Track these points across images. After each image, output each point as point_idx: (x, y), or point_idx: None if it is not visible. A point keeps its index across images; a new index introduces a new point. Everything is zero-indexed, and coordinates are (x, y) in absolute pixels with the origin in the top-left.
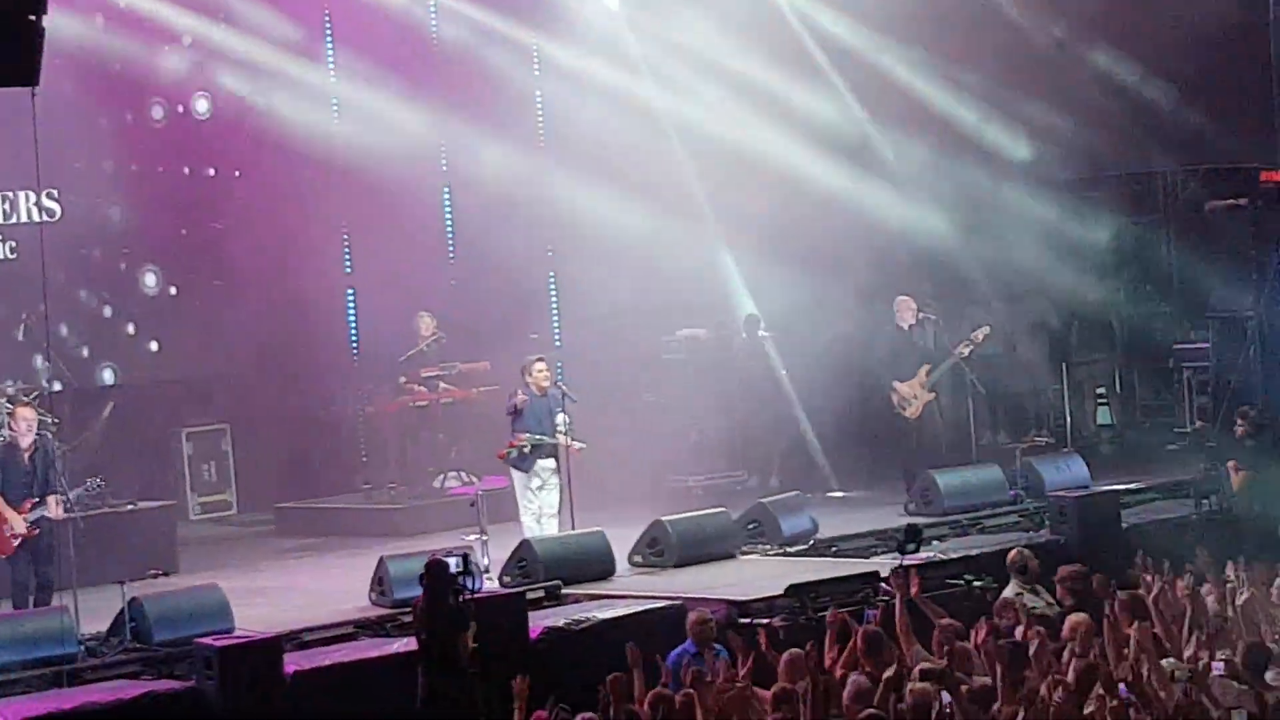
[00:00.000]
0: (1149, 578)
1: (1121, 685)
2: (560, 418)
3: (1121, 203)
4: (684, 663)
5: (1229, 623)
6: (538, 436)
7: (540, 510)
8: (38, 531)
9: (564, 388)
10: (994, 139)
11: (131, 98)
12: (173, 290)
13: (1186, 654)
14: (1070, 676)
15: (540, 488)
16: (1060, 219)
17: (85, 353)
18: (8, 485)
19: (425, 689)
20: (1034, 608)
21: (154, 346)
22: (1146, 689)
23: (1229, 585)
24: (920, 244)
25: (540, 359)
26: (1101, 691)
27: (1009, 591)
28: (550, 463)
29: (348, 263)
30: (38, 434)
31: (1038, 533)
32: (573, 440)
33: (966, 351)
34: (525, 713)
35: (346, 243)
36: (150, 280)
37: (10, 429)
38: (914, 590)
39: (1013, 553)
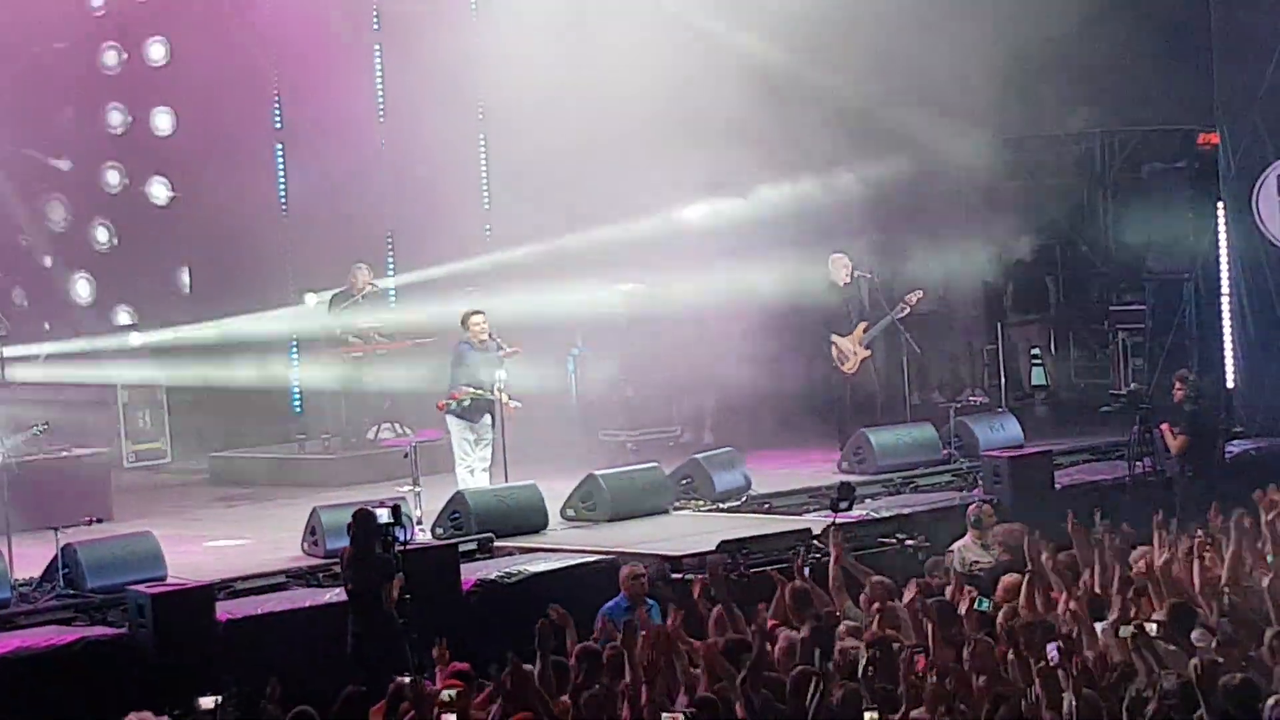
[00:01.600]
0: (1080, 538)
1: (1051, 646)
2: (499, 374)
3: (1060, 163)
4: (616, 617)
5: (1158, 584)
6: (477, 391)
7: (475, 464)
8: None
9: (499, 341)
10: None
11: None
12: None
13: (1113, 615)
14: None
15: (477, 441)
16: (998, 177)
17: (24, 301)
18: None
19: (354, 638)
20: (977, 562)
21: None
22: (1076, 650)
23: (1160, 547)
24: (856, 198)
25: (478, 311)
26: (1027, 654)
27: (959, 544)
28: (487, 418)
29: (284, 206)
30: None
31: (970, 492)
32: (509, 399)
33: (902, 313)
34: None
35: (284, 196)
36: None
37: None
38: (836, 554)
39: (971, 506)
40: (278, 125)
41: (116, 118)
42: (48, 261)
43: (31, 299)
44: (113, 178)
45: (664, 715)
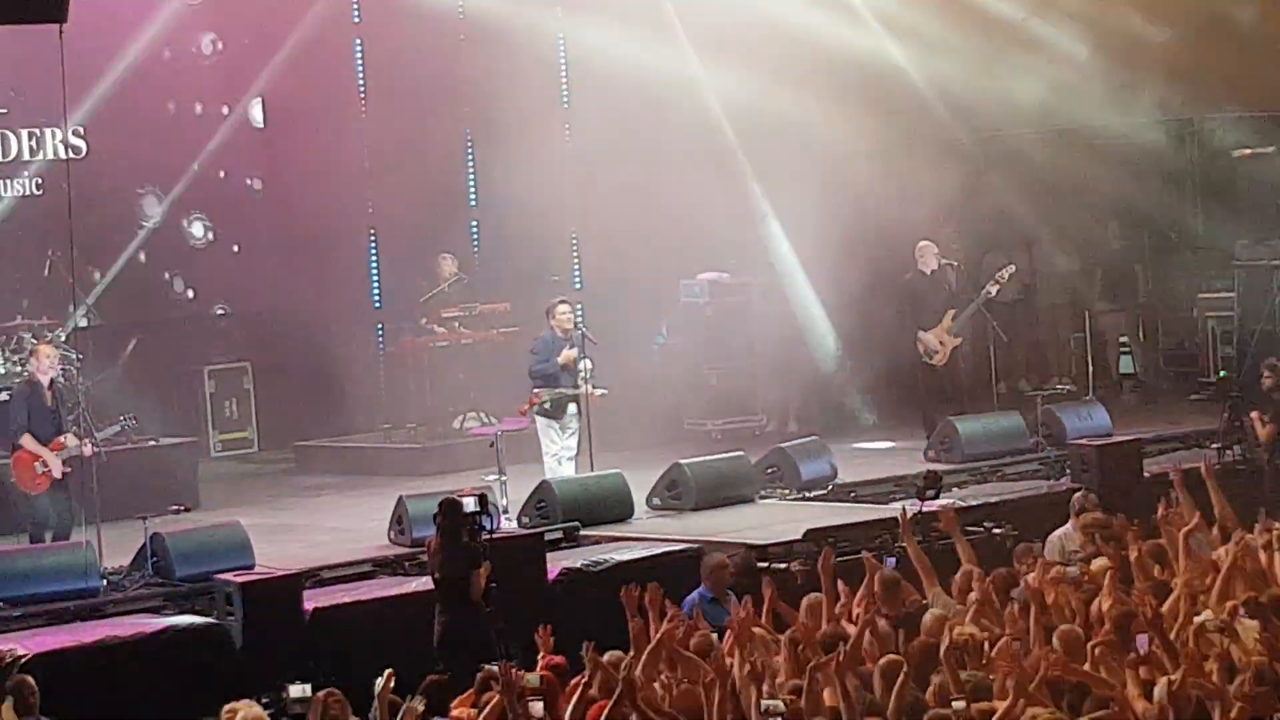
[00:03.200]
0: (1172, 528)
1: (1142, 637)
2: (584, 364)
3: (1148, 150)
4: (698, 607)
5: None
6: (555, 391)
7: (560, 453)
8: (71, 471)
9: (585, 331)
10: (1010, 81)
11: (165, 34)
12: (200, 231)
13: (1211, 601)
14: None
15: (562, 429)
16: (1084, 166)
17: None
18: (35, 424)
19: (441, 627)
20: (1076, 551)
21: (180, 287)
22: (1171, 640)
23: (1256, 536)
24: (942, 190)
25: (563, 300)
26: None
27: (1058, 532)
28: (573, 407)
29: (369, 204)
30: (60, 370)
31: (1058, 481)
32: (594, 387)
33: (994, 291)
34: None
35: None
36: (153, 207)
37: (33, 366)
38: (949, 525)
39: (1076, 494)
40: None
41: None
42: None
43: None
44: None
45: (764, 702)
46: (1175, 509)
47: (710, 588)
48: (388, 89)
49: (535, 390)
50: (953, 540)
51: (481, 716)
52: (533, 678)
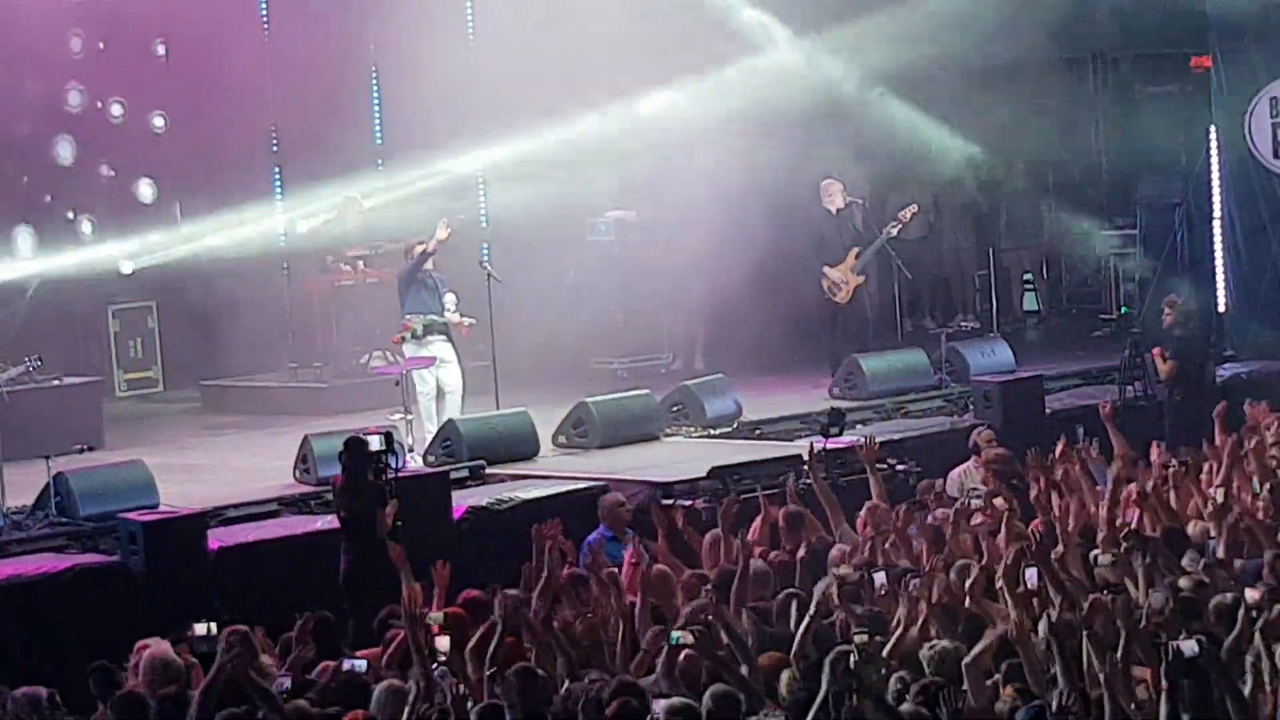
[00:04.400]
0: (1072, 463)
1: (1030, 571)
2: (449, 297)
3: (1052, 86)
4: (598, 546)
5: (1151, 507)
6: (428, 317)
7: (436, 389)
8: None
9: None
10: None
11: None
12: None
13: (1102, 535)
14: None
15: (436, 366)
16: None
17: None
18: None
19: (346, 565)
20: (975, 489)
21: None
22: (1062, 574)
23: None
24: (850, 127)
25: (421, 240)
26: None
27: (959, 469)
28: (444, 340)
29: (274, 142)
30: None
31: (962, 417)
32: (463, 317)
33: (895, 231)
34: (445, 597)
35: (274, 127)
36: (65, 151)
37: None
38: (869, 456)
39: (975, 431)
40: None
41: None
42: None
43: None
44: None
45: (673, 633)
46: (1080, 445)
47: (609, 527)
48: (291, 12)
49: (406, 318)
50: (861, 477)
51: (386, 654)
52: (436, 616)
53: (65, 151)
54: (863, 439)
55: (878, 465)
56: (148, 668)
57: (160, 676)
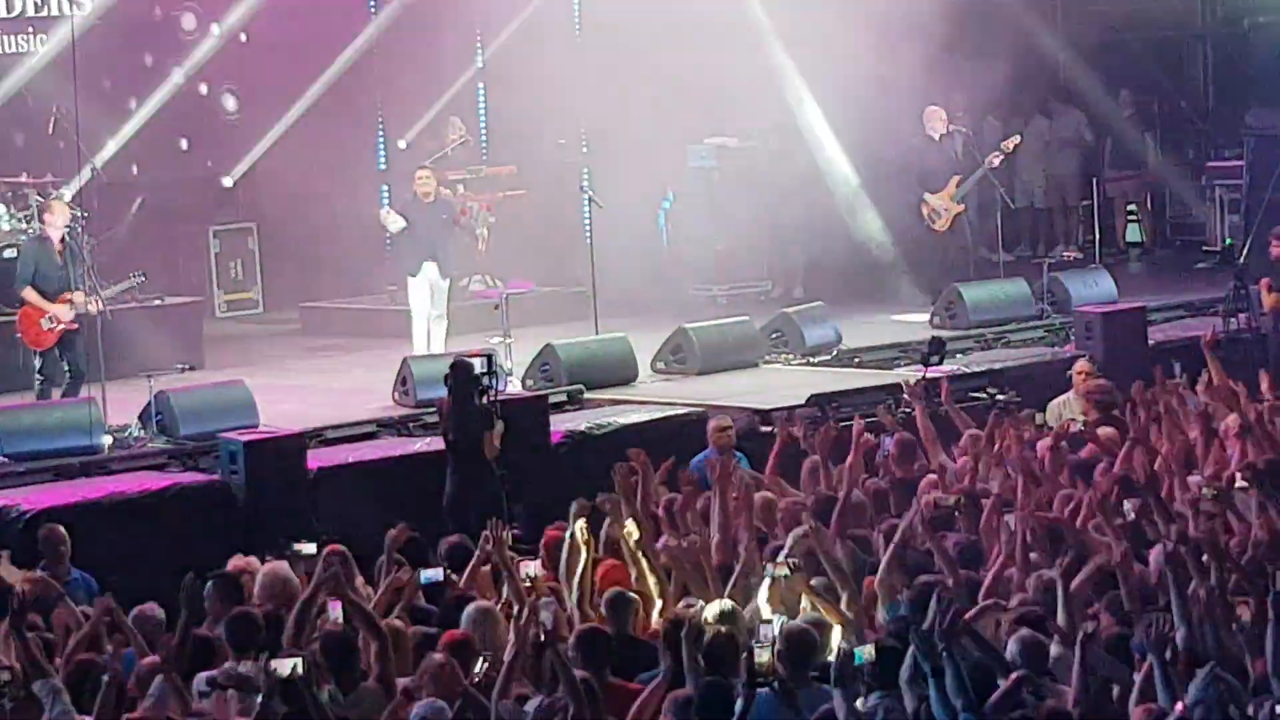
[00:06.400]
0: (1177, 392)
1: (1128, 503)
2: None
3: (1160, 16)
4: (704, 469)
5: (1253, 437)
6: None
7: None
8: (78, 326)
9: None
10: None
11: None
12: (202, 89)
13: (1208, 471)
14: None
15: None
16: (1096, 34)
17: (114, 148)
18: (42, 279)
19: (452, 487)
20: (1074, 419)
21: (183, 144)
22: (1166, 504)
23: (1260, 400)
24: (951, 57)
25: (422, 167)
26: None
27: (1058, 400)
28: (433, 267)
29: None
30: (67, 227)
31: (1063, 348)
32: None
33: (997, 161)
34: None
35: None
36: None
37: (41, 222)
38: (944, 396)
39: (1079, 362)
40: None
41: None
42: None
43: None
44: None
45: (769, 566)
46: (1176, 379)
47: (716, 448)
48: None
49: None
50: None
51: (465, 575)
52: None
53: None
54: (904, 380)
55: (974, 395)
56: (266, 584)
57: (280, 594)
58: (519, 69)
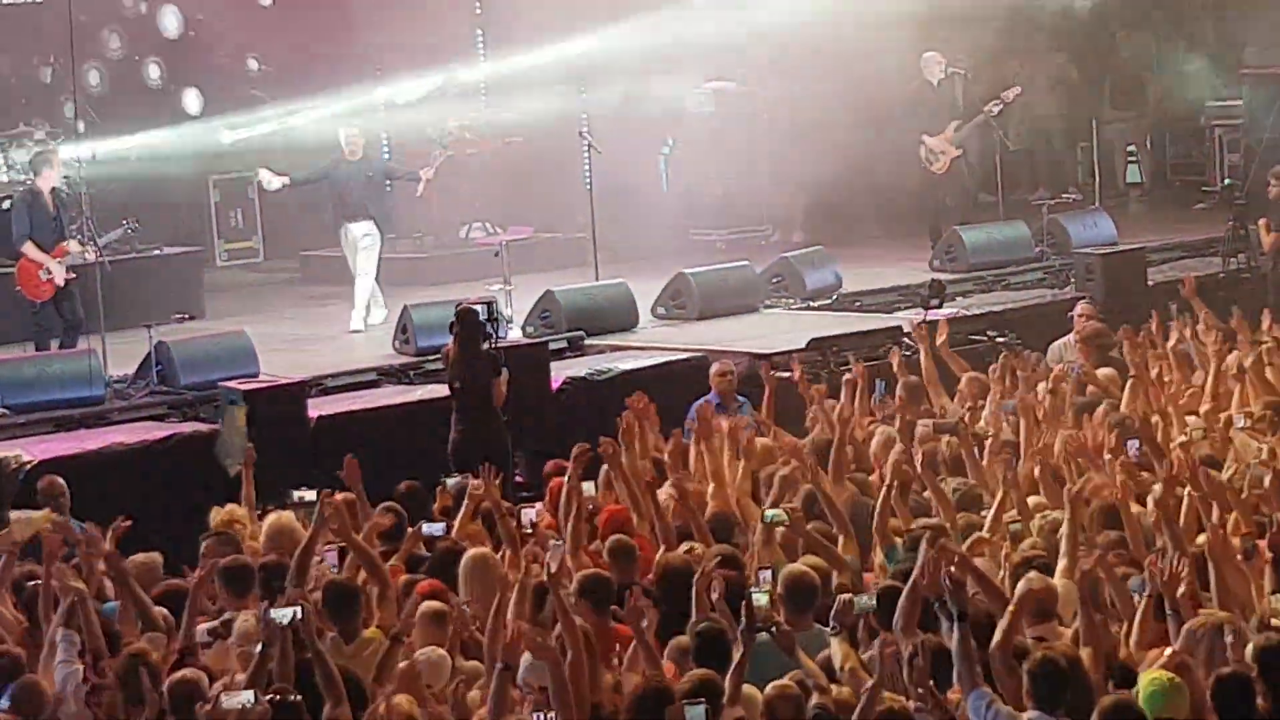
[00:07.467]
0: (1177, 333)
1: (1132, 444)
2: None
3: None
4: (706, 410)
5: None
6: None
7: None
8: (75, 276)
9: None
10: None
11: None
12: (192, 33)
13: (1205, 408)
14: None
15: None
16: None
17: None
18: (37, 231)
19: (458, 434)
20: (1074, 361)
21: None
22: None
23: (1259, 341)
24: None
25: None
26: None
27: (1059, 342)
28: (357, 225)
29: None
30: (63, 178)
31: (1063, 290)
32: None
33: (996, 110)
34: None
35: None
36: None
37: (34, 173)
38: (940, 341)
39: (1079, 304)
40: None
41: None
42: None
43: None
44: None
45: (767, 512)
46: (1174, 321)
47: (718, 393)
48: None
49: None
50: (960, 349)
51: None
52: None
53: (171, 24)
54: (909, 324)
55: (974, 337)
56: (272, 534)
57: (286, 544)
58: (518, 14)
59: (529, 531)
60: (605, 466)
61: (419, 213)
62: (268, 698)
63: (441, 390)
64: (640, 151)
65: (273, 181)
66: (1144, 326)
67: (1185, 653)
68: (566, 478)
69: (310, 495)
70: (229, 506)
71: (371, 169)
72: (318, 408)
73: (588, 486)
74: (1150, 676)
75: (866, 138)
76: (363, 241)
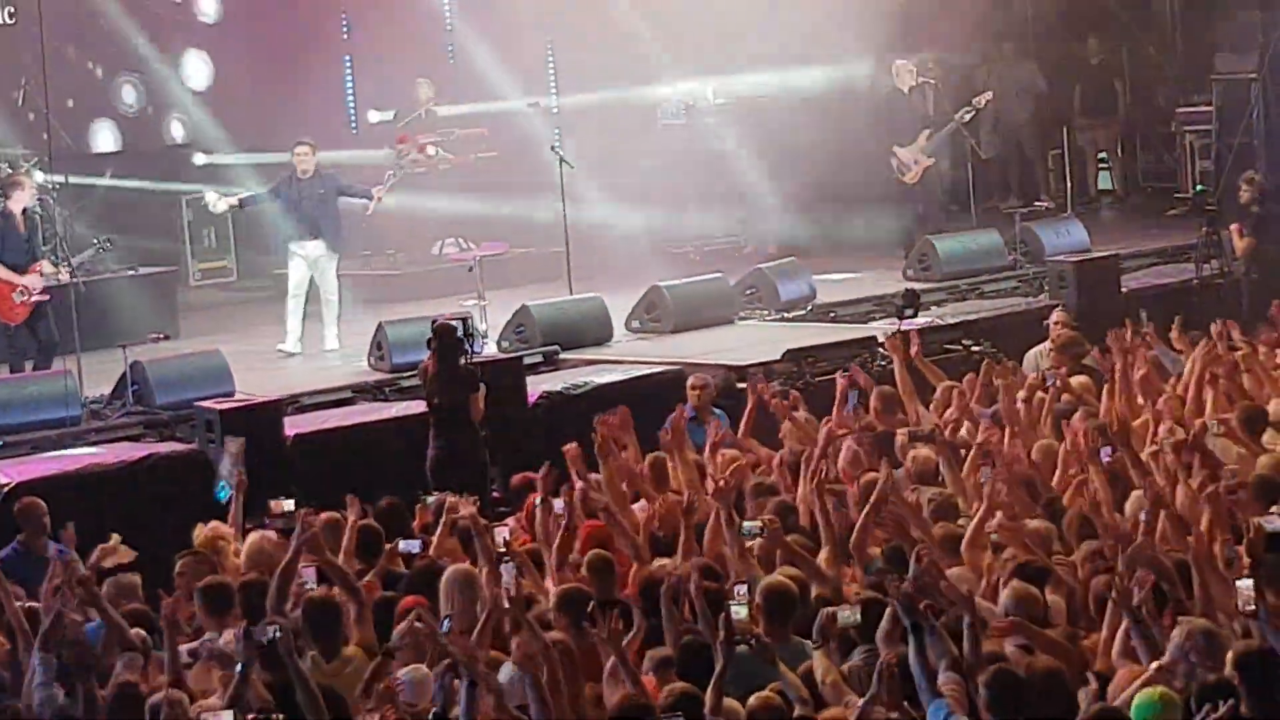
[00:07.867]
0: (1147, 341)
1: (1105, 450)
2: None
3: None
4: (679, 421)
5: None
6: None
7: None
8: (49, 297)
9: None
10: None
11: None
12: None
13: (1180, 414)
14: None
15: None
16: None
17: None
18: (7, 252)
19: (437, 451)
20: (1051, 369)
21: (150, 111)
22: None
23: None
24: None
25: (300, 142)
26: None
27: (1035, 349)
28: (313, 244)
29: (344, 30)
30: (37, 199)
31: (1036, 298)
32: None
33: (968, 117)
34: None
35: (344, 17)
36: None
37: (4, 195)
38: (914, 351)
39: (1054, 312)
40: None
41: None
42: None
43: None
44: None
45: (745, 524)
46: (1144, 329)
47: (694, 406)
48: None
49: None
50: (934, 358)
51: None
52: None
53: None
54: (883, 334)
55: (949, 347)
56: (252, 553)
57: (267, 562)
58: (488, 24)
59: (502, 551)
60: (566, 485)
61: (392, 230)
62: (249, 717)
63: (418, 406)
64: (613, 166)
65: (219, 204)
66: (1118, 333)
67: (1171, 665)
68: (539, 501)
69: (289, 505)
70: (213, 523)
71: (324, 186)
72: (294, 425)
73: (557, 504)
74: (1144, 692)
75: (839, 147)
76: (321, 263)
